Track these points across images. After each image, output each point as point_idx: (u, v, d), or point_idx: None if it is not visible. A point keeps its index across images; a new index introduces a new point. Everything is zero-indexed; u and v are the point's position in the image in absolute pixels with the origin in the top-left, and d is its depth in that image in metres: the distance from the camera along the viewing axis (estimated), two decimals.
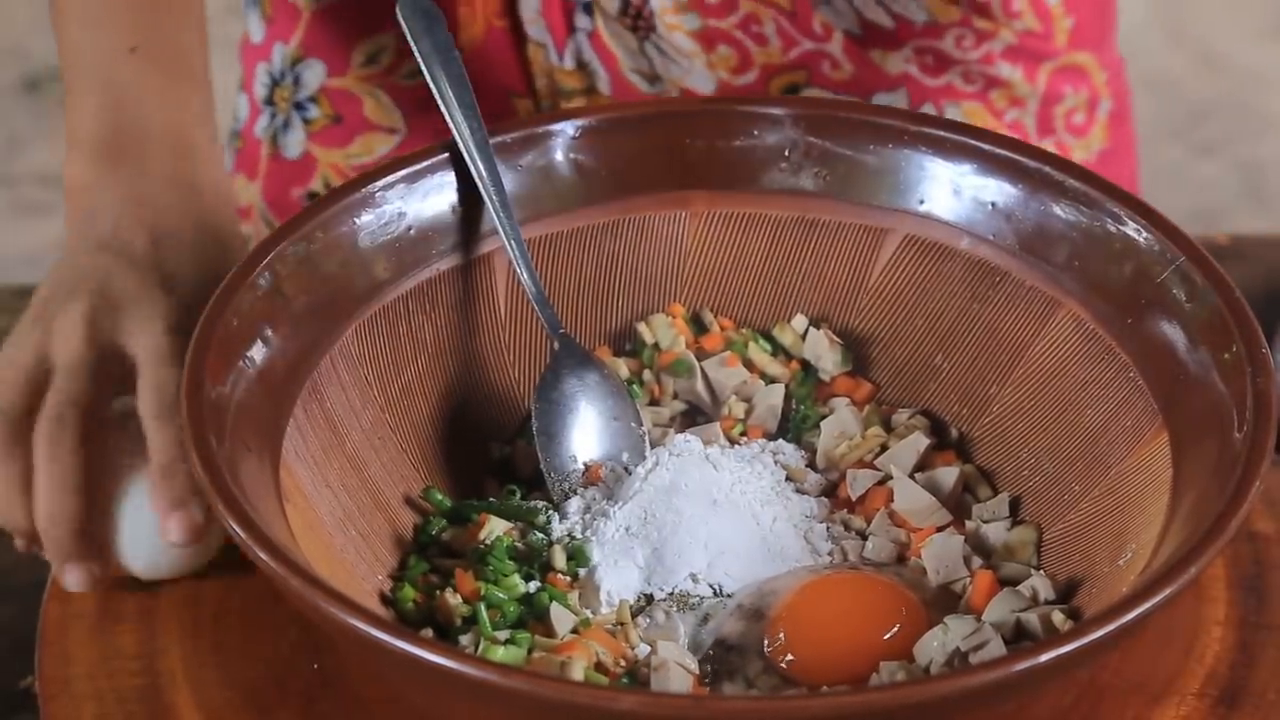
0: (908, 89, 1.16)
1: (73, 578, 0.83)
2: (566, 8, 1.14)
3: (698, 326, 0.95)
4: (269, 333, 0.82)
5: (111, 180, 0.93)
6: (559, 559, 0.85)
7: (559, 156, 0.93)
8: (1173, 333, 0.83)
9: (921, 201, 0.92)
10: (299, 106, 1.20)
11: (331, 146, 1.20)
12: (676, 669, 0.79)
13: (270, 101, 1.22)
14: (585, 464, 0.90)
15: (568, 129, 0.93)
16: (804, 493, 0.90)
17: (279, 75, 1.21)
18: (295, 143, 1.21)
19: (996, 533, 0.87)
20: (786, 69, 1.15)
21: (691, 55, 1.14)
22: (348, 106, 1.20)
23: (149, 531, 0.84)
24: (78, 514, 0.83)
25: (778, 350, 0.95)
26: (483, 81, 1.11)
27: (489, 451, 0.92)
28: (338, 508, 0.83)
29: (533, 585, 0.84)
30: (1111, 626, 0.69)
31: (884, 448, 0.91)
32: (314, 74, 1.19)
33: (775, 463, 0.91)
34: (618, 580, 0.84)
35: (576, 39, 1.14)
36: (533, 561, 0.85)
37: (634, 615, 0.83)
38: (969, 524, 0.88)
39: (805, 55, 1.14)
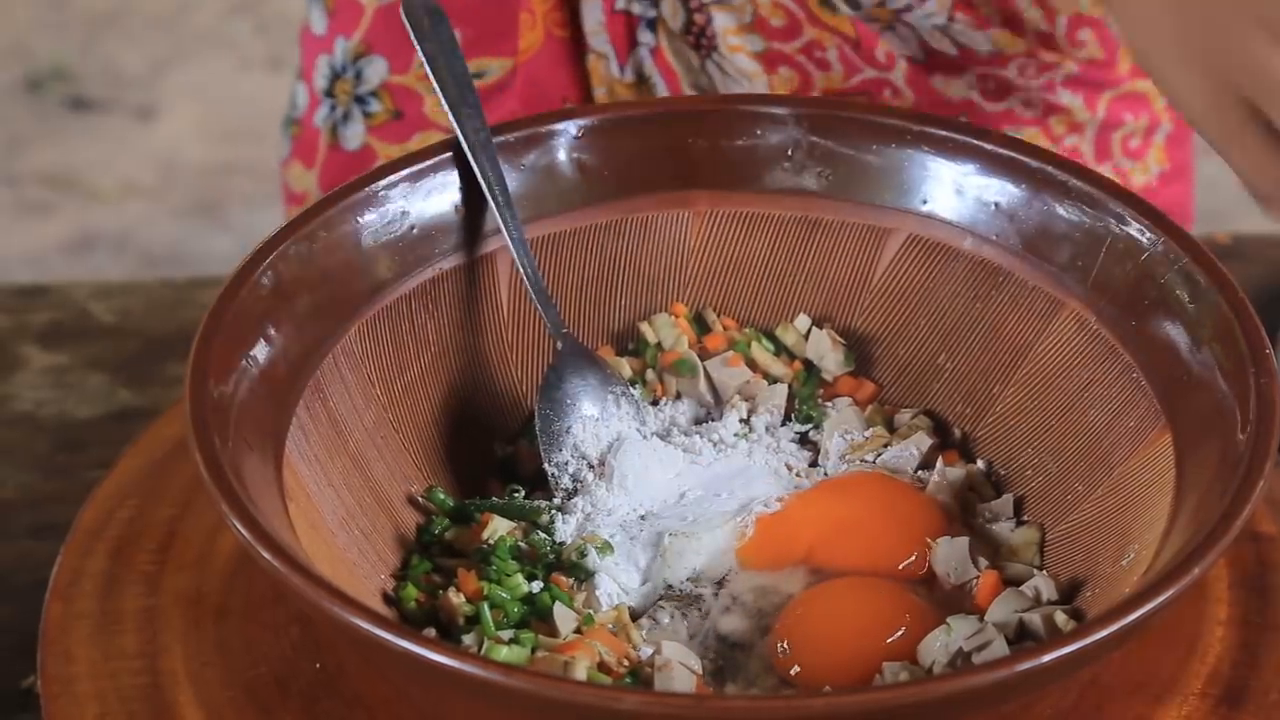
0: (968, 114, 1.15)
1: None
2: (630, 23, 1.14)
3: (700, 326, 0.95)
4: (272, 332, 0.82)
5: None
6: (561, 558, 0.85)
7: (562, 156, 0.93)
8: (1176, 333, 0.83)
9: (924, 201, 0.92)
10: (360, 100, 1.20)
11: (391, 141, 1.21)
12: (680, 669, 0.79)
13: (330, 93, 1.22)
14: (588, 463, 0.90)
15: (570, 128, 0.93)
16: None
17: (340, 68, 1.21)
18: (355, 135, 1.21)
19: (1000, 533, 0.87)
20: (847, 94, 1.14)
21: (752, 76, 1.13)
22: (409, 103, 1.20)
23: None
24: None
25: (780, 350, 0.95)
26: (537, 87, 1.12)
27: (492, 451, 0.92)
28: (340, 507, 0.83)
29: (535, 585, 0.84)
30: (1114, 627, 0.69)
31: (887, 447, 0.91)
32: (376, 70, 1.19)
33: (778, 463, 0.91)
34: (620, 580, 0.84)
35: (638, 54, 1.14)
36: (536, 561, 0.85)
37: (636, 615, 0.83)
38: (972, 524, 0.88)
39: (866, 82, 1.14)
